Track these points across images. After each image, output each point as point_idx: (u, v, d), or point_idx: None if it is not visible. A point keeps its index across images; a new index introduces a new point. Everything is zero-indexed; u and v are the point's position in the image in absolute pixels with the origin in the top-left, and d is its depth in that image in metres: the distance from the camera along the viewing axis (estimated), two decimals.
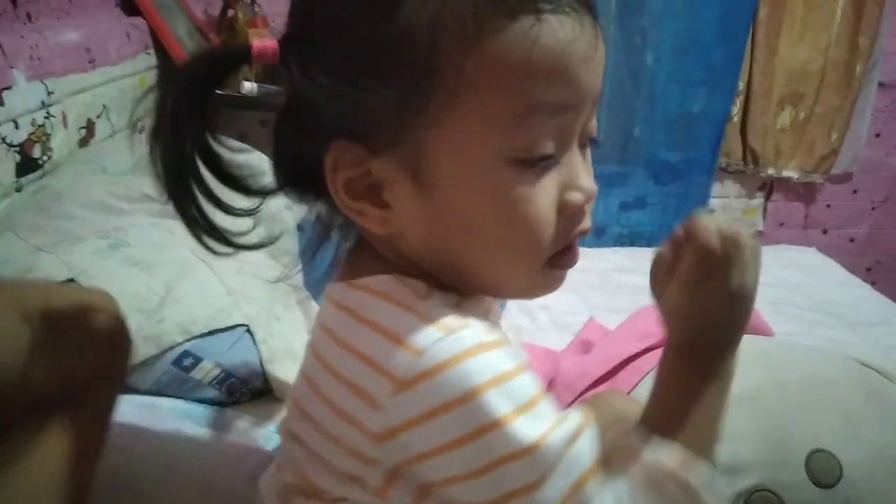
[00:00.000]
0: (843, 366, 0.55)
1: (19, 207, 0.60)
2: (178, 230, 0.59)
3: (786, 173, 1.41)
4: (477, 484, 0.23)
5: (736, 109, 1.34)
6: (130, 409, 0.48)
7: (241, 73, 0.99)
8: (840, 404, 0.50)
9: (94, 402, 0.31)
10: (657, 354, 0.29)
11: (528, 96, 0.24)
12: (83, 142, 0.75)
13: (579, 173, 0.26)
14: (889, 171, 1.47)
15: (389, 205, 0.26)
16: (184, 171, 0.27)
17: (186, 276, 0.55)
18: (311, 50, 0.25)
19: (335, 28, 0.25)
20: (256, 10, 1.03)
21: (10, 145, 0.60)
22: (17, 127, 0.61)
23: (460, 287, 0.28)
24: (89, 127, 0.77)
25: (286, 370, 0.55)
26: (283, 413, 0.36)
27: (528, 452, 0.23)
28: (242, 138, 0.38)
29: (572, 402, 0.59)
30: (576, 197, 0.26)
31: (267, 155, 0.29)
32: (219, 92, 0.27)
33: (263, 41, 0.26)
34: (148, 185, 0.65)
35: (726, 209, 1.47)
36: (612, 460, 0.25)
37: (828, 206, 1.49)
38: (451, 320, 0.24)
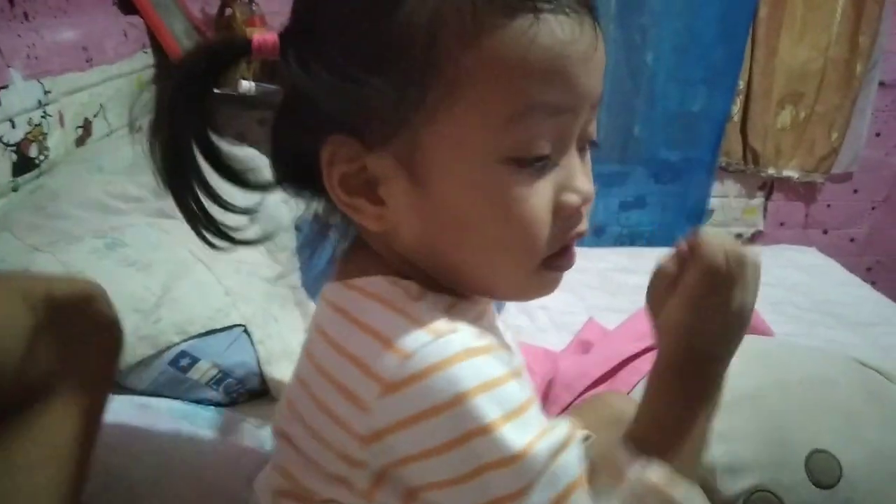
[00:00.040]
0: (843, 366, 0.54)
1: (16, 207, 0.60)
2: (174, 230, 0.59)
3: (786, 173, 1.41)
4: (461, 490, 0.23)
5: (736, 108, 1.34)
6: (127, 410, 0.48)
7: (238, 72, 0.99)
8: (840, 404, 0.50)
9: (88, 391, 0.30)
10: (656, 354, 0.28)
11: (526, 95, 0.24)
12: (80, 141, 0.75)
13: (576, 175, 0.26)
14: (889, 170, 1.47)
15: (385, 201, 0.26)
16: (183, 164, 0.27)
17: (183, 276, 0.54)
18: (310, 43, 0.25)
19: (335, 21, 0.25)
20: (254, 8, 1.02)
21: (7, 145, 0.60)
22: (13, 126, 0.61)
23: (455, 287, 0.27)
24: (86, 126, 0.76)
25: (284, 371, 0.55)
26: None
27: (514, 460, 0.23)
28: (240, 137, 0.38)
29: (572, 402, 0.59)
30: (572, 199, 0.26)
31: (265, 154, 0.29)
32: (217, 91, 0.27)
33: (264, 35, 0.26)
34: (145, 184, 0.65)
35: (726, 209, 1.46)
36: (598, 473, 0.25)
37: (828, 205, 1.49)
38: (440, 324, 0.24)
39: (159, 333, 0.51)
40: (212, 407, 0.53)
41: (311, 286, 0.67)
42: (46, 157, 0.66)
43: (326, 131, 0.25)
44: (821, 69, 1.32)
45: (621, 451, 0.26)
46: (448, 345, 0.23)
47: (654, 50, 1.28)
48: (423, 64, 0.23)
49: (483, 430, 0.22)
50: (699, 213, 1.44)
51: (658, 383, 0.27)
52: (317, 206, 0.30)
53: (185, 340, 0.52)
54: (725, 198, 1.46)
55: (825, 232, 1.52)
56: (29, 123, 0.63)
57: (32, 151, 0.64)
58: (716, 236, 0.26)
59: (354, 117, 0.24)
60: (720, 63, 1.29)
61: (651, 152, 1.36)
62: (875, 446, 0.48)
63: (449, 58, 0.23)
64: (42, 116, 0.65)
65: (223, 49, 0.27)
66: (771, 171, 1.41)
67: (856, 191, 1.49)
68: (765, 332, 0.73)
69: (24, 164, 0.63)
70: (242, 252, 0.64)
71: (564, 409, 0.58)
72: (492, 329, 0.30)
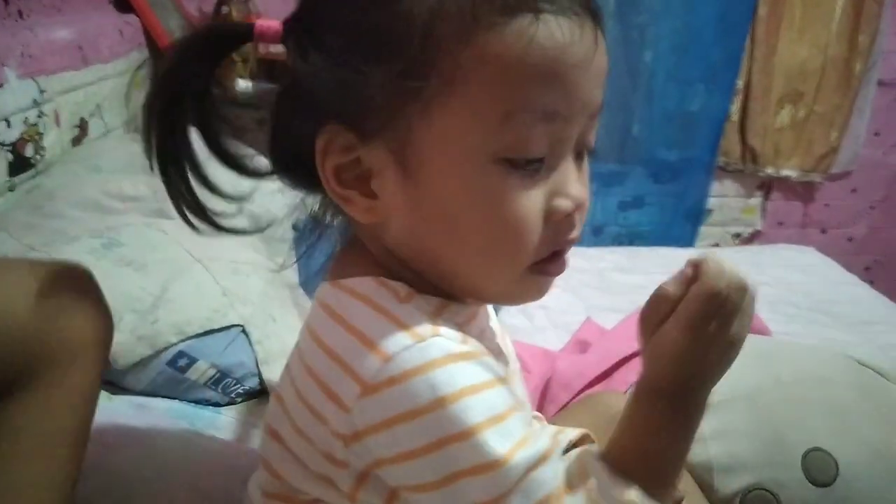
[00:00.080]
0: (840, 365, 0.55)
1: (12, 207, 0.60)
2: (172, 230, 0.59)
3: (784, 172, 1.41)
4: (435, 495, 0.23)
5: (735, 108, 1.34)
6: (126, 410, 0.48)
7: (236, 71, 0.98)
8: (837, 403, 0.50)
9: (77, 379, 0.29)
10: (641, 376, 0.28)
11: (521, 95, 0.24)
12: (76, 140, 0.75)
13: (570, 182, 0.26)
14: (888, 169, 1.47)
15: (377, 195, 0.26)
16: (175, 141, 0.27)
17: (181, 277, 0.54)
18: (310, 31, 0.25)
19: (336, 10, 0.25)
20: (250, 6, 1.02)
21: (3, 144, 0.60)
22: (9, 126, 0.61)
23: (443, 287, 0.27)
24: (82, 125, 0.76)
25: (282, 371, 0.55)
26: None
27: (490, 467, 0.23)
28: (238, 137, 0.38)
29: (569, 401, 0.59)
30: (563, 204, 0.25)
31: (263, 154, 0.29)
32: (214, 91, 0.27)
33: (267, 21, 0.26)
34: (142, 184, 0.64)
35: (725, 208, 1.47)
36: (574, 489, 0.24)
37: (826, 205, 1.50)
38: (423, 328, 0.24)
39: (157, 334, 0.51)
40: (210, 407, 0.53)
41: (310, 286, 0.67)
42: (42, 156, 0.66)
43: (322, 120, 0.25)
44: (820, 68, 1.32)
45: (601, 472, 0.25)
46: (428, 349, 0.23)
47: (653, 49, 1.28)
48: (420, 57, 0.23)
49: (459, 436, 0.22)
50: (698, 213, 1.44)
51: (644, 407, 0.27)
52: (312, 203, 0.30)
53: (182, 341, 0.51)
54: (724, 197, 1.46)
55: (823, 231, 1.52)
56: (25, 123, 0.63)
57: (28, 151, 0.64)
58: (719, 262, 0.25)
59: (350, 107, 0.24)
60: (719, 62, 1.29)
61: (649, 152, 1.36)
62: (872, 444, 0.48)
63: (446, 52, 0.23)
64: (38, 116, 0.65)
65: (227, 32, 0.27)
66: (769, 170, 1.41)
67: (854, 190, 1.49)
68: (762, 331, 0.73)
69: (20, 164, 0.63)
70: (240, 252, 0.64)
71: (562, 409, 0.58)
72: (483, 332, 0.30)
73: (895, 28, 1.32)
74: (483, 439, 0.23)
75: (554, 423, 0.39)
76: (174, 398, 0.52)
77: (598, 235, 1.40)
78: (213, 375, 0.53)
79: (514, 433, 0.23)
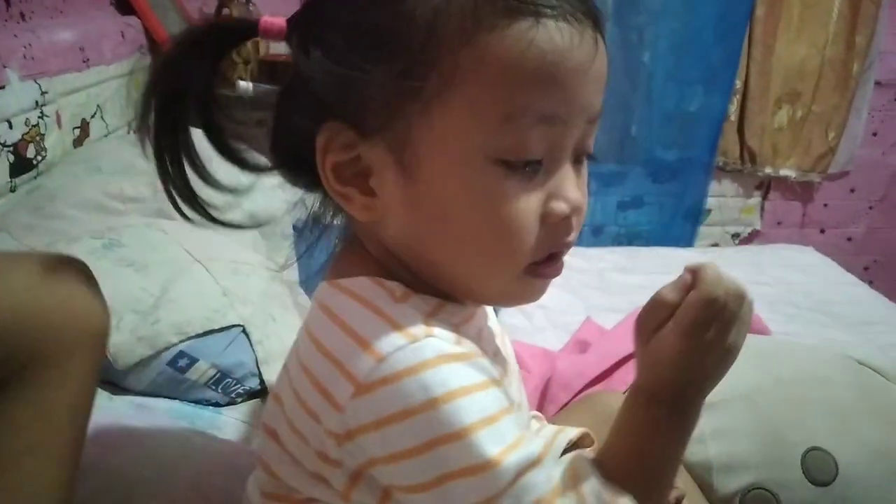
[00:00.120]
0: (839, 364, 0.55)
1: (13, 208, 0.60)
2: (172, 231, 0.60)
3: (783, 172, 1.42)
4: (426, 496, 0.23)
5: (733, 108, 1.35)
6: (126, 410, 0.48)
7: (237, 72, 0.99)
8: (836, 403, 0.50)
9: (74, 375, 0.29)
10: (636, 382, 0.28)
11: (520, 97, 0.24)
12: (78, 142, 0.75)
13: (567, 185, 0.26)
14: (886, 169, 1.48)
15: (376, 192, 0.26)
16: (174, 128, 0.27)
17: (181, 277, 0.54)
18: (313, 29, 0.26)
19: (338, 8, 0.25)
20: (251, 8, 1.02)
21: (4, 145, 0.60)
22: (10, 127, 0.61)
23: (439, 287, 0.27)
24: (83, 127, 0.76)
25: (279, 371, 0.55)
26: None
27: (481, 469, 0.23)
28: (238, 138, 0.39)
29: (569, 401, 0.59)
30: (560, 207, 0.25)
31: (263, 153, 0.29)
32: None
33: (272, 18, 0.27)
34: (143, 185, 0.65)
35: (723, 208, 1.47)
36: (565, 495, 0.24)
37: (825, 205, 1.50)
38: (417, 328, 0.24)
39: (157, 334, 0.51)
40: (210, 407, 0.53)
41: (310, 285, 0.67)
42: (44, 157, 0.66)
43: (323, 117, 0.25)
44: (817, 69, 1.33)
45: (594, 477, 0.25)
46: (421, 350, 0.23)
47: (652, 49, 1.28)
48: (420, 56, 0.23)
49: (450, 437, 0.22)
50: (696, 213, 1.44)
51: (638, 412, 0.27)
52: (312, 202, 0.30)
53: (183, 341, 0.52)
54: (723, 197, 1.46)
55: (822, 231, 1.52)
56: (26, 124, 0.63)
57: (30, 152, 0.64)
58: (717, 269, 0.25)
59: (351, 104, 0.25)
60: (717, 62, 1.29)
61: (648, 152, 1.36)
62: (871, 444, 0.48)
63: (447, 53, 0.23)
64: (39, 117, 0.65)
65: (232, 27, 0.28)
66: (768, 170, 1.41)
67: (853, 190, 1.49)
68: (762, 331, 0.73)
69: (21, 165, 0.63)
70: (240, 252, 0.64)
71: (562, 409, 0.58)
72: (480, 332, 0.30)
73: (892, 28, 1.33)
74: (474, 441, 0.22)
75: (554, 423, 0.39)
76: (175, 398, 0.52)
77: (598, 235, 1.40)
78: (214, 375, 0.53)
79: (506, 435, 0.23)
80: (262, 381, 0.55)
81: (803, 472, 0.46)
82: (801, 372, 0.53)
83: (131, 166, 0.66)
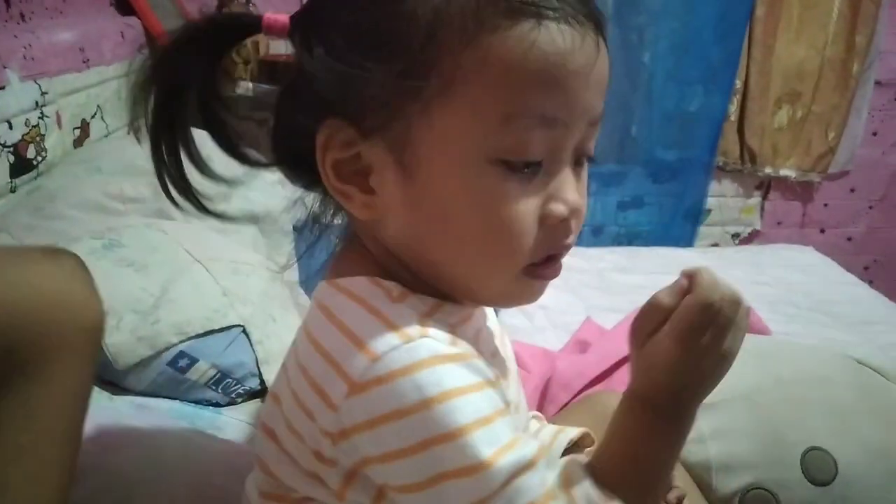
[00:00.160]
0: (839, 364, 0.55)
1: (13, 208, 0.60)
2: (172, 231, 0.60)
3: (783, 172, 1.42)
4: (419, 496, 0.23)
5: (733, 108, 1.35)
6: (126, 410, 0.48)
7: (236, 72, 0.99)
8: (836, 402, 0.50)
9: (68, 368, 0.28)
10: (630, 386, 0.28)
11: (520, 99, 0.24)
12: (78, 142, 0.75)
13: (567, 187, 0.26)
14: (886, 169, 1.48)
15: (375, 191, 0.26)
16: (174, 118, 0.27)
17: (181, 277, 0.54)
18: (316, 25, 0.26)
19: (341, 7, 0.25)
20: (251, 8, 1.02)
21: (4, 146, 0.60)
22: (10, 127, 0.61)
23: (438, 286, 0.27)
24: (84, 127, 0.76)
25: (278, 370, 0.55)
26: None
27: (474, 470, 0.23)
28: (238, 138, 0.39)
29: (569, 401, 0.59)
30: (558, 209, 0.25)
31: (265, 153, 0.29)
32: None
33: (275, 14, 0.27)
34: (143, 185, 0.65)
35: (723, 208, 1.47)
36: (557, 499, 0.24)
37: (825, 204, 1.50)
38: (412, 328, 0.24)
39: (157, 334, 0.51)
40: (210, 407, 0.53)
41: (310, 285, 0.67)
42: (44, 158, 0.66)
43: (324, 114, 0.25)
44: (817, 68, 1.33)
45: (587, 482, 0.25)
46: (416, 350, 0.23)
47: (652, 49, 1.28)
48: (421, 56, 0.23)
49: (444, 438, 0.22)
50: (696, 213, 1.44)
51: (632, 417, 0.27)
52: (313, 202, 0.30)
53: (183, 341, 0.52)
54: (723, 197, 1.46)
55: (822, 231, 1.52)
56: (26, 124, 0.63)
57: (30, 152, 0.64)
58: (713, 274, 0.25)
59: (351, 102, 0.25)
60: (717, 62, 1.29)
61: (648, 152, 1.36)
62: (871, 443, 0.48)
63: (447, 53, 0.23)
64: (39, 117, 0.65)
65: (236, 21, 0.28)
66: (768, 170, 1.41)
67: (853, 190, 1.49)
68: (762, 331, 0.73)
69: (21, 166, 0.63)
70: (240, 252, 0.64)
71: (562, 409, 0.58)
72: (479, 333, 0.30)
73: (892, 28, 1.33)
74: (467, 441, 0.22)
75: (554, 423, 0.39)
76: (175, 398, 0.52)
77: (598, 235, 1.40)
78: (214, 376, 0.53)
79: (500, 437, 0.23)
80: (262, 382, 0.55)
81: (803, 472, 0.46)
82: (800, 372, 0.53)
83: (131, 166, 0.66)
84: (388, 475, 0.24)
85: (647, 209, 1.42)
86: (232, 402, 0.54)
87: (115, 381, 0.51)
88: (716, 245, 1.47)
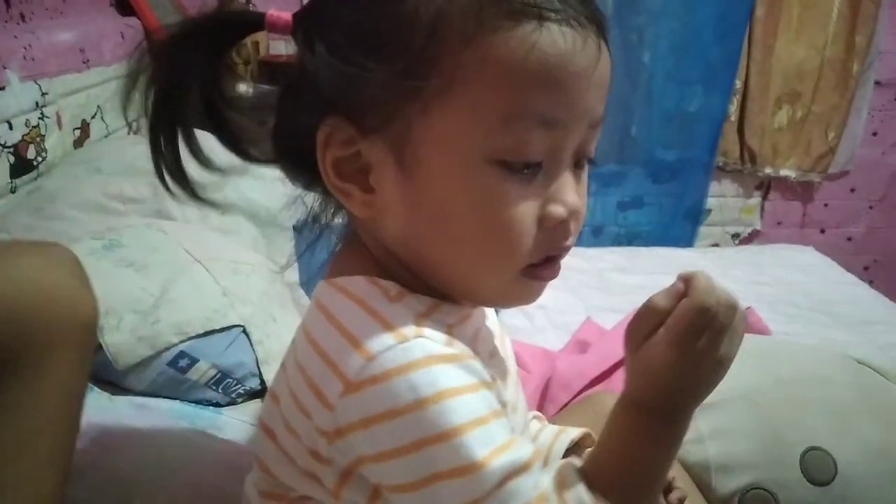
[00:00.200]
0: (839, 364, 0.55)
1: (13, 209, 0.60)
2: (172, 231, 0.60)
3: (783, 172, 1.42)
4: (413, 496, 0.23)
5: (733, 108, 1.35)
6: (127, 410, 0.48)
7: (235, 76, 0.98)
8: (835, 402, 0.50)
9: (63, 363, 0.28)
10: (625, 391, 0.27)
11: (520, 100, 0.24)
12: (78, 142, 0.75)
13: (566, 189, 0.26)
14: (886, 169, 1.48)
15: (375, 190, 0.26)
16: (174, 109, 0.27)
17: (181, 277, 0.54)
18: (318, 24, 0.26)
19: (343, 6, 0.25)
20: (251, 9, 1.02)
21: (4, 146, 0.60)
22: (10, 128, 0.61)
23: (436, 286, 0.27)
24: (84, 128, 0.76)
25: (277, 369, 0.55)
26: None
27: (466, 471, 0.23)
28: (243, 135, 0.39)
29: (569, 401, 0.59)
30: (557, 210, 0.25)
31: (264, 154, 0.29)
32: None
33: (278, 12, 0.27)
34: (143, 185, 0.65)
35: (723, 208, 1.47)
36: (549, 502, 0.24)
37: (825, 204, 1.50)
38: (408, 329, 0.24)
39: (158, 334, 0.51)
40: (211, 407, 0.53)
41: (310, 285, 0.67)
42: (44, 158, 0.66)
43: (325, 113, 0.25)
44: (817, 69, 1.33)
45: (580, 487, 0.25)
46: (411, 350, 0.23)
47: (652, 50, 1.28)
48: (422, 56, 0.24)
49: (437, 438, 0.22)
50: (696, 213, 1.44)
51: (626, 421, 0.26)
52: (313, 202, 0.30)
53: (183, 341, 0.52)
54: (723, 197, 1.46)
55: (822, 231, 1.52)
56: (26, 125, 0.63)
57: (30, 153, 0.64)
58: (710, 278, 0.25)
59: (352, 101, 0.25)
60: (717, 63, 1.29)
61: (648, 152, 1.36)
62: (870, 444, 0.48)
63: (448, 53, 0.23)
64: (39, 118, 0.65)
65: (238, 18, 0.28)
66: (768, 170, 1.41)
67: (853, 190, 1.49)
68: (762, 330, 0.73)
69: (21, 166, 0.63)
70: (240, 252, 0.64)
71: (562, 409, 0.58)
72: (478, 332, 0.30)
73: (892, 28, 1.33)
74: (461, 442, 0.22)
75: (554, 423, 0.39)
76: (175, 398, 0.52)
77: (598, 236, 1.41)
78: (214, 376, 0.53)
79: (495, 438, 0.23)
80: (262, 382, 0.55)
81: (802, 472, 0.46)
82: (800, 372, 0.53)
83: (131, 167, 0.66)
84: (382, 475, 0.24)
85: (647, 209, 1.42)
86: (232, 402, 0.54)
87: (115, 382, 0.51)
88: (716, 245, 1.47)
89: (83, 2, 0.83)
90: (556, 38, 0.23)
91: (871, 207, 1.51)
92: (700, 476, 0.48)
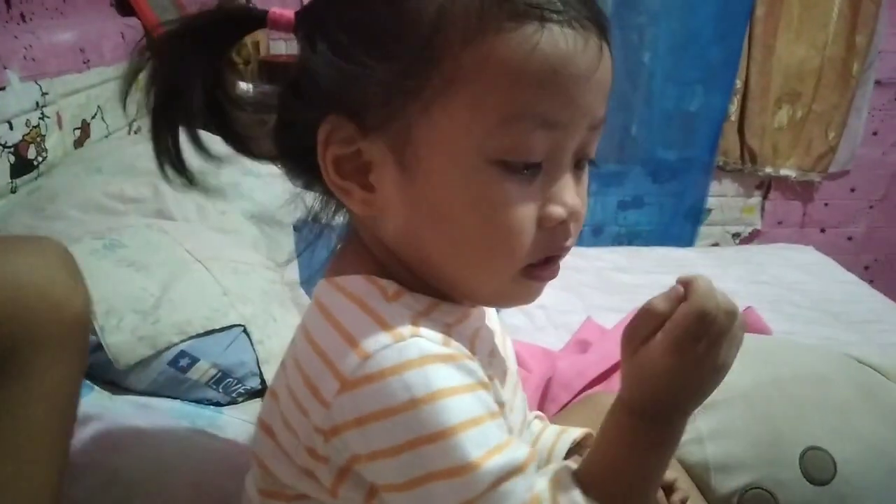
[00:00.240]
0: (838, 363, 0.55)
1: (14, 209, 0.60)
2: (173, 231, 0.60)
3: (783, 172, 1.42)
4: (407, 496, 0.23)
5: (733, 108, 1.35)
6: (127, 410, 0.48)
7: (236, 74, 0.98)
8: (835, 402, 0.50)
9: (56, 360, 0.27)
10: (620, 394, 0.28)
11: (520, 100, 0.24)
12: (78, 142, 0.75)
13: (566, 190, 0.26)
14: (886, 169, 1.48)
15: (375, 188, 0.26)
16: (176, 103, 0.27)
17: (182, 277, 0.55)
18: (320, 22, 0.26)
19: (345, 5, 0.25)
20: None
21: (5, 146, 0.60)
22: (11, 128, 0.61)
23: (435, 285, 0.27)
24: (84, 128, 0.76)
25: (277, 368, 0.55)
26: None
27: (459, 472, 0.22)
28: (245, 132, 0.39)
29: (569, 401, 0.59)
30: (557, 211, 0.25)
31: (264, 154, 0.29)
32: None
33: (281, 10, 0.27)
34: (143, 185, 0.65)
35: (724, 208, 1.47)
36: None
37: (825, 204, 1.50)
38: (404, 328, 0.24)
39: (158, 334, 0.51)
40: (211, 407, 0.53)
41: (311, 285, 0.67)
42: (45, 158, 0.67)
43: (326, 110, 0.25)
44: (818, 68, 1.33)
45: (575, 491, 0.25)
46: (407, 349, 0.23)
47: (652, 50, 1.28)
48: (423, 56, 0.24)
49: (431, 438, 0.22)
50: (697, 213, 1.44)
51: (622, 424, 0.26)
52: (313, 201, 0.30)
53: (184, 341, 0.52)
54: (723, 197, 1.46)
55: (823, 230, 1.52)
56: (27, 125, 0.63)
57: (30, 153, 0.64)
58: (710, 283, 0.25)
59: (353, 99, 0.25)
60: (717, 62, 1.30)
61: (649, 152, 1.36)
62: (870, 443, 0.48)
63: (450, 53, 0.23)
64: (40, 118, 0.66)
65: (241, 14, 0.28)
66: (768, 170, 1.41)
67: (853, 189, 1.49)
68: (763, 330, 0.73)
69: (22, 166, 0.63)
70: (241, 252, 0.64)
71: (562, 408, 0.58)
72: (477, 332, 0.30)
73: (892, 28, 1.33)
74: (455, 443, 0.22)
75: (554, 423, 0.39)
76: (175, 398, 0.52)
77: (598, 235, 1.41)
78: (215, 375, 0.53)
79: (489, 439, 0.23)
80: (263, 381, 0.55)
81: (801, 472, 0.46)
82: (800, 371, 0.53)
83: (132, 167, 0.66)
84: (376, 473, 0.24)
85: (647, 209, 1.42)
86: (233, 402, 0.54)
87: (115, 381, 0.51)
88: (716, 245, 1.47)
89: (83, 2, 0.83)
90: (558, 40, 0.23)
91: (871, 207, 1.51)
92: (699, 476, 0.48)
